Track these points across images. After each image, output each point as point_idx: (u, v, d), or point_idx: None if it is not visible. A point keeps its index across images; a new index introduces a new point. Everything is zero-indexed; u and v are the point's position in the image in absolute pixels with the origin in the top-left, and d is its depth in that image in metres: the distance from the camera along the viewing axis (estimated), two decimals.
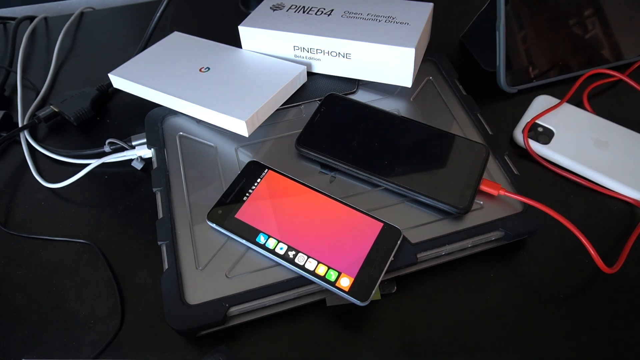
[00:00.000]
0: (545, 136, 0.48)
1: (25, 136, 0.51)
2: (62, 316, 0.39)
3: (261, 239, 0.38)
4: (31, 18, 0.65)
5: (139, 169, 0.48)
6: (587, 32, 0.54)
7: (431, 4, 0.51)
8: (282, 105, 0.48)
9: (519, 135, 0.49)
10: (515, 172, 0.43)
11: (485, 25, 0.54)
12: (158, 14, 0.56)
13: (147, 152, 0.47)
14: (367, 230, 0.38)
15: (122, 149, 0.48)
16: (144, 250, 0.42)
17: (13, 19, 0.65)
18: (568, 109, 0.50)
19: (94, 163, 0.47)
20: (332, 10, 0.51)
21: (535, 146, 0.48)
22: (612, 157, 0.46)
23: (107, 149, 0.48)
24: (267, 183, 0.41)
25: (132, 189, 0.47)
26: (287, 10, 0.52)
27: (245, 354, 0.36)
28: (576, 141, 0.47)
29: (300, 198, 0.40)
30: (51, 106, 0.52)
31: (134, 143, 0.48)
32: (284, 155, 0.45)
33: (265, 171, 0.42)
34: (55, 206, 0.46)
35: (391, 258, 0.36)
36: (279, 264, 0.37)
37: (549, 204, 0.40)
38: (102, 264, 0.41)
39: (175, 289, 0.36)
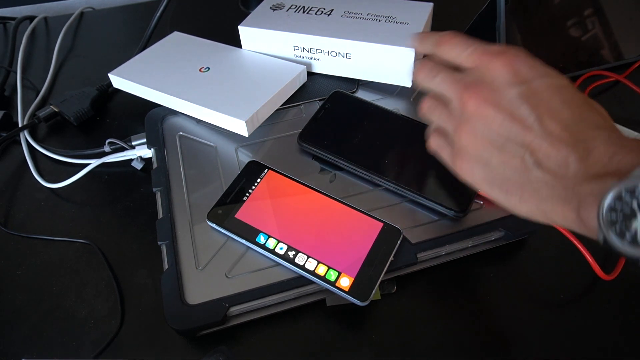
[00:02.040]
0: None
1: (25, 136, 0.51)
2: (62, 316, 0.39)
3: (261, 239, 0.38)
4: (31, 18, 0.65)
5: (139, 169, 0.48)
6: (587, 32, 0.54)
7: (431, 4, 0.51)
8: (282, 105, 0.48)
9: None
10: None
11: (485, 25, 0.54)
12: (158, 14, 0.56)
13: (147, 152, 0.47)
14: (367, 230, 0.38)
15: (122, 149, 0.48)
16: (144, 250, 0.42)
17: (13, 19, 0.65)
18: None
19: (94, 163, 0.47)
20: (332, 10, 0.51)
21: None
22: None
23: (107, 149, 0.48)
24: (267, 183, 0.41)
25: (132, 189, 0.47)
26: (287, 10, 0.52)
27: (245, 354, 0.36)
28: None
29: (300, 198, 0.40)
30: (51, 106, 0.52)
31: (134, 143, 0.48)
32: (284, 155, 0.45)
33: (265, 171, 0.42)
34: (55, 206, 0.46)
35: (391, 258, 0.36)
36: (279, 264, 0.37)
37: None
38: (102, 264, 0.41)
39: (175, 289, 0.36)
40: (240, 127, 0.44)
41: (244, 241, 0.38)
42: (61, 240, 0.43)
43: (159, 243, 0.39)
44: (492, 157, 0.29)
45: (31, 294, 0.40)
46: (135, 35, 0.62)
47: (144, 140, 0.47)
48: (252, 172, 0.42)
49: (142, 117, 0.48)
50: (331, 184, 0.42)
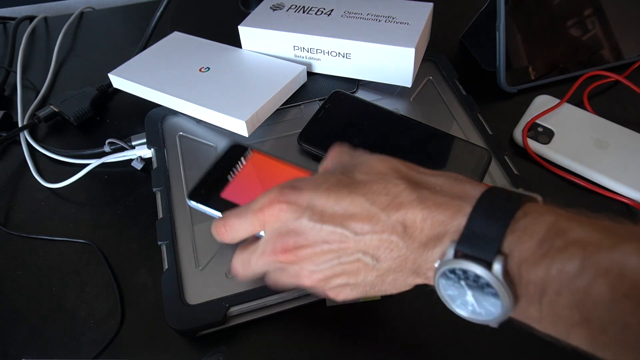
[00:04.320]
0: (545, 136, 0.48)
1: (25, 136, 0.51)
2: (62, 316, 0.39)
3: None
4: (31, 18, 0.65)
5: (139, 169, 0.48)
6: (587, 32, 0.54)
7: (431, 4, 0.51)
8: (282, 105, 0.48)
9: (518, 135, 0.49)
10: (515, 172, 0.43)
11: (485, 25, 0.54)
12: (158, 14, 0.56)
13: (147, 152, 0.47)
14: None
15: (122, 149, 0.48)
16: (144, 250, 0.42)
17: (13, 19, 0.65)
18: (568, 108, 0.50)
19: (94, 163, 0.47)
20: (332, 10, 0.51)
21: (535, 146, 0.48)
22: (612, 157, 0.46)
23: (107, 149, 0.48)
24: (253, 164, 0.39)
25: (132, 189, 0.47)
26: (287, 10, 0.52)
27: (245, 354, 0.36)
28: (576, 141, 0.47)
29: (288, 177, 0.38)
30: (51, 106, 0.52)
31: (133, 143, 0.48)
32: (284, 155, 0.44)
33: (249, 152, 0.40)
34: (55, 206, 0.46)
35: None
36: None
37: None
38: (102, 264, 0.41)
39: (175, 289, 0.36)
40: (240, 127, 0.44)
41: None
42: (61, 240, 0.43)
43: (159, 243, 0.39)
44: (347, 278, 0.29)
45: (31, 294, 0.40)
46: (135, 35, 0.62)
47: (144, 140, 0.47)
48: (235, 154, 0.40)
49: (142, 117, 0.48)
50: None
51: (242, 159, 0.40)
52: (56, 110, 0.52)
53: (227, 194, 0.38)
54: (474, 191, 0.26)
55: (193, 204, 0.38)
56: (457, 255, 0.25)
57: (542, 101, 0.51)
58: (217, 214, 0.37)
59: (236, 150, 0.40)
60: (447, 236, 0.25)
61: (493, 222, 0.24)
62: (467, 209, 0.25)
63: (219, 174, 0.39)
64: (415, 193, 0.27)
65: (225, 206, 0.36)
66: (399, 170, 0.29)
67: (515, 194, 0.26)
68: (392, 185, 0.27)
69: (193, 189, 0.38)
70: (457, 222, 0.25)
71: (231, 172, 0.39)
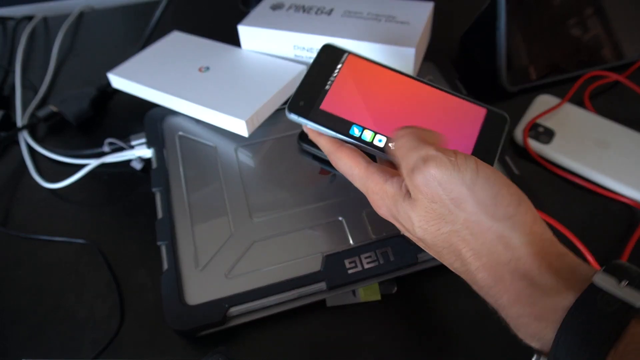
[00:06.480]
0: (546, 136, 0.48)
1: (24, 136, 0.51)
2: (62, 316, 0.39)
3: (355, 131, 0.34)
4: (30, 18, 0.65)
5: (139, 169, 0.47)
6: (588, 32, 0.54)
7: (431, 4, 0.50)
8: (282, 105, 0.48)
9: (519, 135, 0.48)
10: (516, 172, 0.42)
11: (486, 25, 0.54)
12: (158, 14, 0.56)
13: (146, 152, 0.47)
14: (471, 117, 0.34)
15: (122, 149, 0.48)
16: (144, 250, 0.42)
17: (12, 18, 0.65)
18: (569, 108, 0.50)
19: (94, 163, 0.46)
20: (332, 9, 0.51)
21: (536, 146, 0.48)
22: (613, 157, 0.46)
23: (106, 149, 0.48)
24: (350, 69, 0.36)
25: (131, 189, 0.47)
26: (287, 10, 0.52)
27: (245, 354, 0.36)
28: (577, 141, 0.47)
29: (391, 84, 0.35)
30: (50, 106, 0.52)
31: (133, 143, 0.48)
32: (284, 155, 0.45)
33: (345, 56, 0.36)
34: (55, 206, 0.46)
35: (500, 147, 0.33)
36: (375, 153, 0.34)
37: (548, 205, 0.40)
38: (102, 264, 0.41)
39: (175, 289, 0.36)
40: (240, 127, 0.44)
41: (335, 134, 0.34)
42: (61, 240, 0.43)
43: (158, 243, 0.39)
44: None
45: (31, 294, 0.40)
46: (135, 35, 0.62)
47: (144, 140, 0.47)
48: (329, 57, 0.36)
49: (142, 117, 0.48)
50: (331, 184, 0.42)
51: (339, 64, 0.36)
52: (55, 110, 0.52)
53: (326, 105, 0.35)
54: (559, 305, 0.22)
55: (293, 116, 0.35)
56: None
57: (543, 101, 0.51)
58: (317, 127, 0.34)
59: (331, 52, 0.37)
60: (537, 343, 0.23)
61: (582, 354, 0.21)
62: (549, 334, 0.22)
63: (316, 81, 0.36)
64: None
65: (325, 119, 0.34)
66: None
67: (615, 311, 0.21)
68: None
69: (292, 100, 0.35)
70: (544, 342, 0.23)
71: (329, 80, 0.35)
